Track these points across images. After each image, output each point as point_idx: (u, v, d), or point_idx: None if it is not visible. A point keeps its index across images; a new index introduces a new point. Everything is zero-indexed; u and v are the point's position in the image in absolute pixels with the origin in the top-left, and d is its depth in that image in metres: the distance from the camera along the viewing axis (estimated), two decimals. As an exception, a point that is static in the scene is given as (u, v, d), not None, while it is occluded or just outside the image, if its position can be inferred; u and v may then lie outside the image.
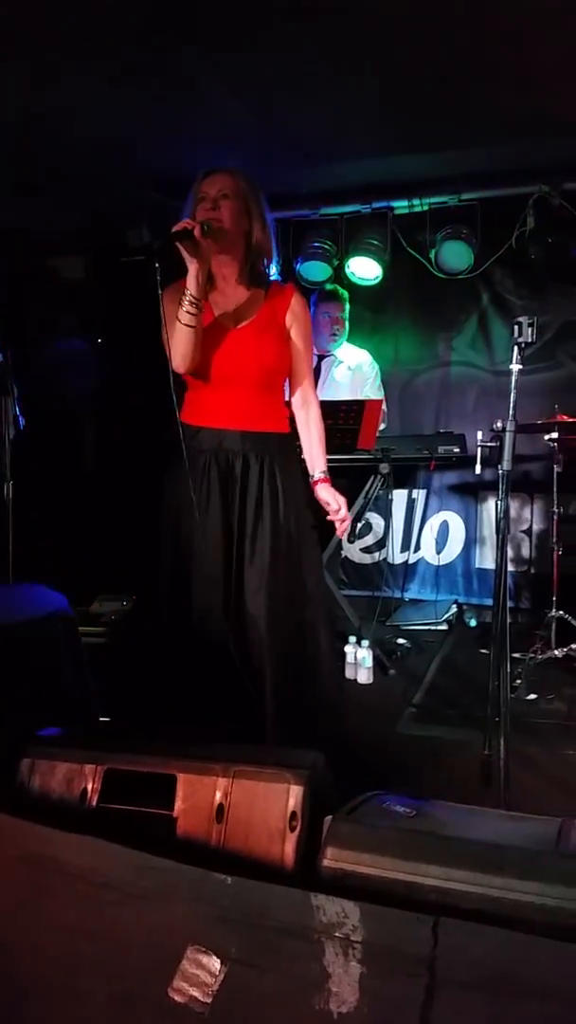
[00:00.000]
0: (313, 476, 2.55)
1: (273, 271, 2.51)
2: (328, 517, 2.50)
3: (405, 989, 0.95)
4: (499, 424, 2.08)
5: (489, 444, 2.39)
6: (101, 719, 2.38)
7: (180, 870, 1.12)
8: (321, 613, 2.54)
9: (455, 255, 4.54)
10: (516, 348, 2.07)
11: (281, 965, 1.01)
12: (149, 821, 1.60)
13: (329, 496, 2.52)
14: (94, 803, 1.66)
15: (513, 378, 2.11)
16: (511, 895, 1.33)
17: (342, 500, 2.51)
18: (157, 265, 2.10)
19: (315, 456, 2.57)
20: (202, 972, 1.02)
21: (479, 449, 2.49)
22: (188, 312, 2.23)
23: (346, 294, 4.46)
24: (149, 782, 1.63)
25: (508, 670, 2.11)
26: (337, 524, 2.54)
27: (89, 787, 1.68)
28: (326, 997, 0.97)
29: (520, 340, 2.04)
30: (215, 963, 1.02)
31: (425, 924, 1.01)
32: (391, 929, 1.02)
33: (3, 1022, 1.09)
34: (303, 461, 2.59)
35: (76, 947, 1.10)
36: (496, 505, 2.04)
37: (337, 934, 1.02)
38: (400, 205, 4.66)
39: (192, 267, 2.22)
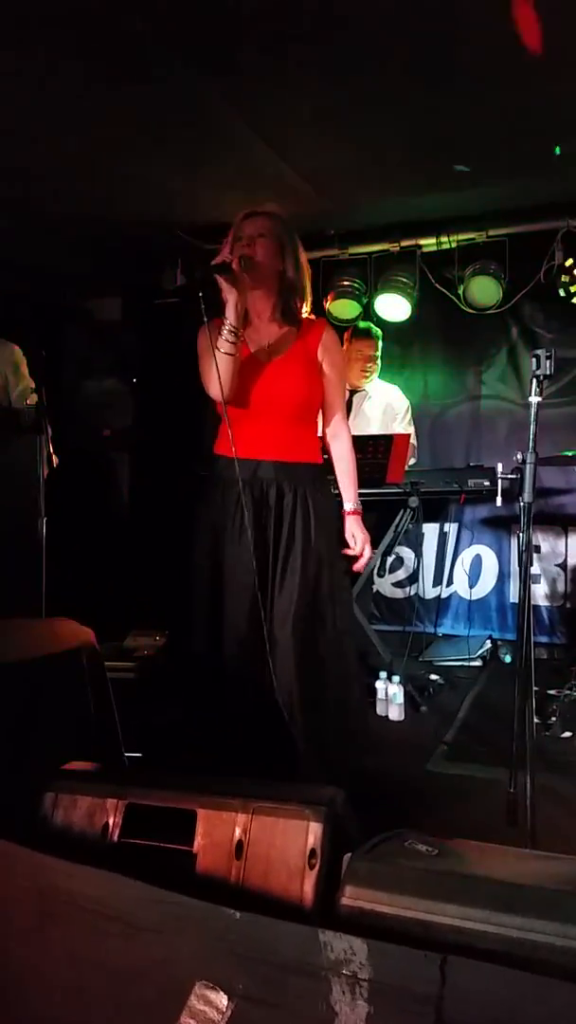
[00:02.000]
0: (344, 508, 2.58)
1: (305, 311, 2.57)
2: (346, 551, 2.52)
3: (412, 1029, 0.94)
4: (519, 456, 2.08)
5: (510, 476, 2.39)
6: (131, 754, 2.39)
7: (190, 904, 1.12)
8: (348, 643, 2.55)
9: (484, 291, 4.57)
10: (535, 380, 2.08)
11: (288, 1002, 1.01)
12: (169, 857, 1.60)
13: (354, 531, 2.55)
14: (115, 838, 1.67)
15: (532, 410, 2.12)
16: (530, 935, 1.30)
17: (363, 538, 2.54)
18: (201, 294, 2.18)
19: (345, 488, 2.60)
20: (209, 1008, 1.02)
21: (500, 481, 2.49)
22: (228, 341, 2.32)
23: (379, 332, 4.50)
24: (170, 817, 1.64)
25: (533, 704, 2.09)
26: (356, 561, 2.56)
27: (111, 821, 1.69)
28: (332, 1036, 0.96)
29: (539, 373, 2.05)
30: (222, 999, 1.02)
31: (433, 963, 1.00)
32: (398, 967, 1.01)
33: (15, 1056, 1.09)
34: (337, 493, 2.62)
35: (84, 979, 1.10)
36: (518, 537, 2.03)
37: (344, 971, 1.01)
38: (428, 243, 4.72)
39: (231, 297, 2.31)
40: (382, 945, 1.04)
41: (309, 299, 2.58)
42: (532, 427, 2.08)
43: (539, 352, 2.03)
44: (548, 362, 2.01)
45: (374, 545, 4.04)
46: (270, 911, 1.26)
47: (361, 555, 2.55)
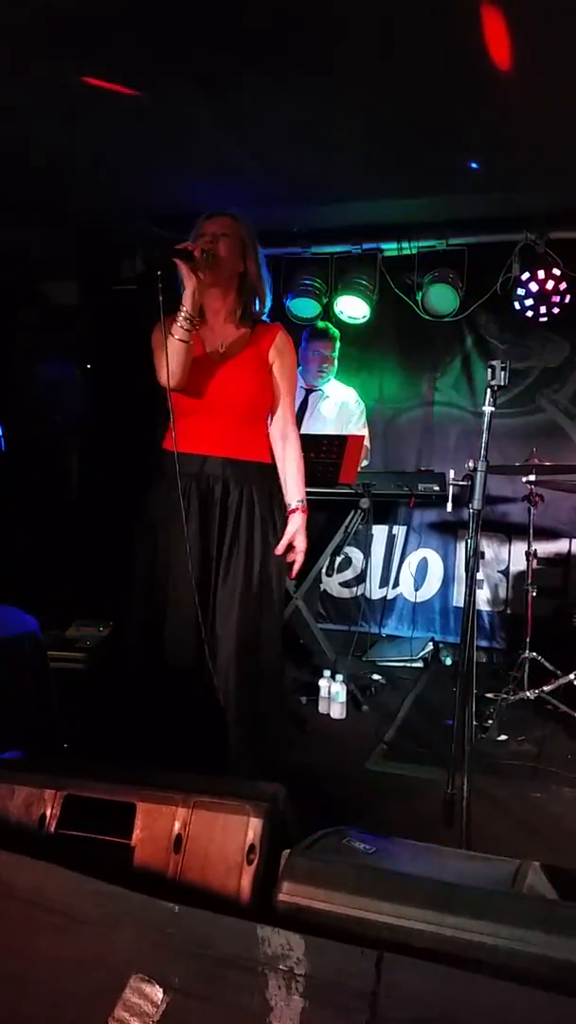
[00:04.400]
0: (289, 506, 2.59)
1: (263, 314, 2.58)
2: (276, 549, 2.51)
3: (345, 1024, 0.95)
4: (471, 464, 2.12)
5: (461, 483, 2.43)
6: (66, 745, 2.37)
7: (128, 897, 1.12)
8: (276, 644, 2.57)
9: (441, 298, 4.63)
10: (489, 391, 2.12)
11: (224, 996, 1.01)
12: (107, 849, 1.59)
13: (294, 534, 2.54)
14: (52, 829, 1.65)
15: (486, 420, 2.16)
16: (463, 935, 1.33)
17: (301, 547, 2.54)
18: (159, 273, 2.16)
19: (290, 487, 2.61)
20: (144, 1001, 1.01)
21: (451, 487, 2.53)
22: (182, 327, 2.31)
23: (337, 333, 4.53)
24: (109, 810, 1.62)
25: (473, 708, 2.13)
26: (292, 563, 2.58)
27: (48, 812, 1.67)
28: (267, 1030, 0.97)
29: (493, 383, 2.09)
30: (158, 992, 1.02)
31: (368, 959, 1.01)
32: (334, 963, 1.02)
33: (-58, 1048, 1.08)
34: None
35: (18, 971, 1.09)
36: (466, 543, 2.06)
37: (281, 967, 1.02)
38: (389, 247, 4.76)
39: (190, 284, 2.30)
40: (319, 941, 1.05)
41: (267, 303, 2.59)
42: (484, 436, 2.12)
43: (495, 363, 2.07)
44: (503, 373, 2.05)
45: (323, 544, 4.08)
46: (207, 906, 1.26)
47: (292, 558, 2.55)
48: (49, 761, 1.87)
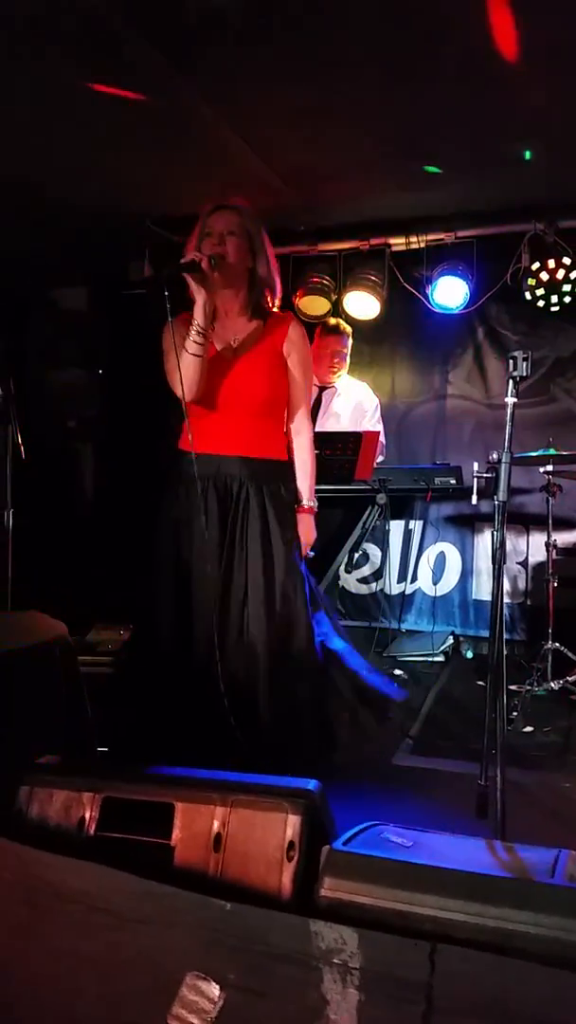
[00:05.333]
0: (299, 503, 2.59)
1: (275, 307, 2.57)
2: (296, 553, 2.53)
3: (402, 1016, 0.96)
4: (495, 455, 2.12)
5: (485, 475, 2.43)
6: (99, 749, 2.38)
7: (179, 896, 1.13)
8: (308, 637, 2.56)
9: (451, 291, 4.62)
10: (511, 382, 2.12)
11: (280, 991, 1.02)
12: (147, 850, 1.60)
13: (305, 530, 2.55)
14: (92, 831, 1.66)
15: (508, 411, 2.15)
16: (506, 925, 1.33)
17: (310, 539, 2.56)
18: (167, 293, 2.16)
19: (301, 485, 2.61)
20: (201, 999, 1.02)
21: (475, 480, 2.53)
22: (195, 342, 2.30)
23: (348, 329, 4.53)
24: (147, 810, 1.64)
25: (504, 700, 2.13)
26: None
27: (87, 815, 1.69)
28: (324, 1024, 0.98)
29: (515, 374, 2.09)
30: (214, 989, 1.03)
31: (422, 951, 1.02)
32: (388, 956, 1.03)
33: (0, 1050, 1.09)
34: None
35: (74, 973, 1.10)
36: (492, 536, 2.06)
37: (335, 960, 1.03)
38: (397, 242, 4.75)
39: (200, 298, 2.29)
40: (372, 934, 1.06)
41: (279, 293, 2.58)
42: (508, 427, 2.12)
43: (516, 354, 2.07)
44: (525, 364, 2.04)
45: (341, 541, 4.09)
46: (249, 903, 1.27)
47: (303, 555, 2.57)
48: (86, 764, 1.88)
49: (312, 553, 2.63)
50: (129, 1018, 1.04)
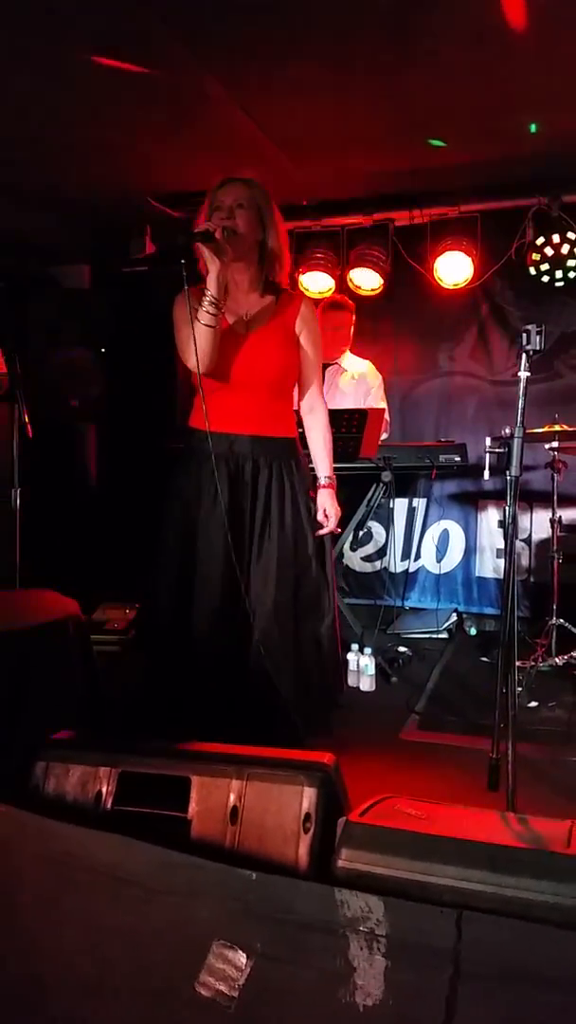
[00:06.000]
0: (319, 481, 2.59)
1: (287, 282, 2.55)
2: (317, 531, 2.54)
3: (429, 982, 0.97)
4: (507, 431, 2.11)
5: (496, 451, 2.42)
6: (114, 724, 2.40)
7: (204, 866, 1.14)
8: (328, 614, 2.56)
9: (455, 266, 4.58)
10: (524, 356, 2.10)
11: (306, 959, 1.03)
12: (164, 823, 1.62)
13: (326, 505, 2.55)
14: (109, 805, 1.68)
15: (521, 385, 2.14)
16: (525, 894, 1.35)
17: (335, 513, 2.55)
18: (183, 261, 2.14)
19: (320, 461, 2.60)
20: (228, 967, 1.03)
21: (487, 455, 2.52)
22: (208, 312, 2.28)
23: (352, 304, 4.50)
24: (163, 784, 1.65)
25: (515, 675, 2.14)
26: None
27: (104, 790, 1.70)
28: (351, 990, 0.99)
29: (528, 348, 2.07)
30: (241, 958, 1.04)
31: (448, 918, 1.03)
32: (415, 923, 1.04)
33: (29, 1020, 1.10)
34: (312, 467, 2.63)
35: (101, 943, 1.11)
36: (505, 511, 2.06)
37: (362, 928, 1.04)
38: (401, 217, 4.70)
39: (213, 268, 2.27)
40: (397, 902, 1.07)
41: (287, 268, 2.56)
42: (521, 401, 2.11)
43: (529, 327, 2.05)
44: (538, 337, 2.03)
45: (345, 519, 4.08)
46: (267, 874, 1.28)
47: (331, 531, 2.57)
48: (102, 739, 1.89)
49: (339, 529, 2.63)
50: (158, 986, 1.05)
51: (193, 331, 2.25)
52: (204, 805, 1.65)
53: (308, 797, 1.60)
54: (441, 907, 1.05)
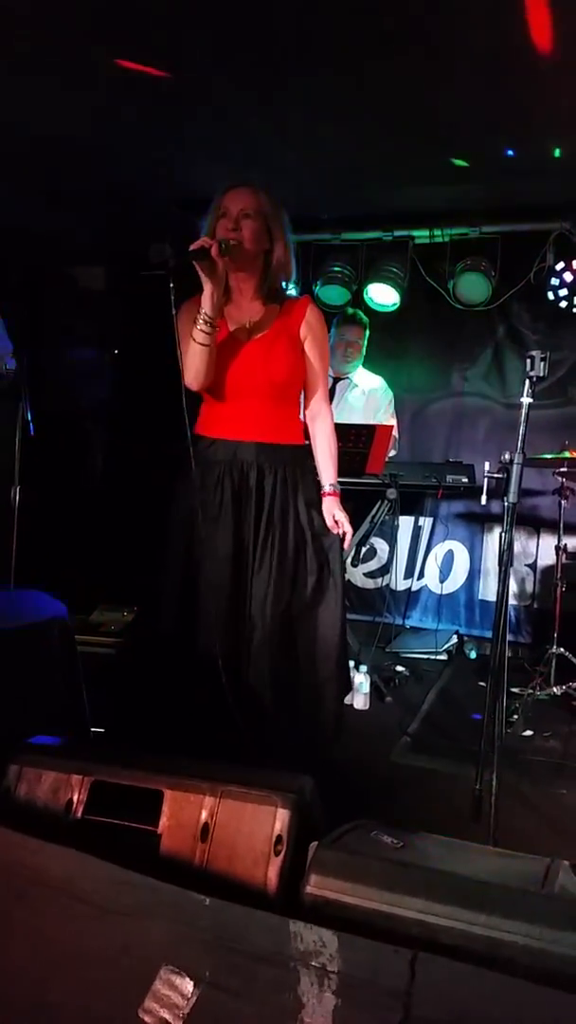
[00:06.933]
0: (323, 489, 2.55)
1: (291, 290, 2.52)
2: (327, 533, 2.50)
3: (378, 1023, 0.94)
4: (507, 456, 2.08)
5: (496, 475, 2.39)
6: (93, 730, 2.37)
7: (159, 888, 1.11)
8: (333, 629, 2.49)
9: (473, 287, 4.56)
10: (528, 381, 2.07)
11: (255, 991, 1.00)
12: (133, 836, 1.59)
13: (334, 511, 2.51)
14: (79, 814, 1.65)
15: (523, 411, 2.11)
16: (494, 933, 1.31)
17: (344, 518, 2.50)
18: (172, 285, 2.11)
19: (325, 469, 2.57)
20: (174, 993, 1.00)
21: (486, 480, 2.48)
22: (202, 331, 2.24)
23: (366, 320, 4.48)
24: (136, 796, 1.62)
25: (504, 704, 2.10)
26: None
27: (75, 798, 1.67)
28: (298, 1027, 0.96)
29: (532, 374, 2.05)
30: (188, 985, 1.01)
31: (403, 958, 0.99)
32: (368, 961, 1.00)
33: (-30, 1033, 1.07)
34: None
35: (50, 960, 1.08)
36: (501, 537, 2.03)
37: (314, 963, 1.00)
38: (421, 235, 4.69)
39: (208, 287, 2.23)
40: (352, 938, 1.04)
41: (292, 276, 2.52)
42: (522, 428, 2.08)
43: (534, 353, 2.02)
44: (542, 364, 2.00)
45: (349, 534, 4.05)
46: (234, 896, 1.25)
47: (344, 534, 2.51)
48: (77, 747, 1.87)
49: (350, 533, 2.58)
50: (101, 1010, 1.02)
51: (183, 348, 2.23)
52: (175, 820, 1.62)
53: (280, 819, 1.57)
54: (396, 947, 1.01)
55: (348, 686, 2.70)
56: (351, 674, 3.69)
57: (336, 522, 2.49)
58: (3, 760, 1.71)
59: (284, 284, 2.49)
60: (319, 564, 2.47)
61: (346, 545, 2.51)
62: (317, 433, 2.58)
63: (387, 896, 1.37)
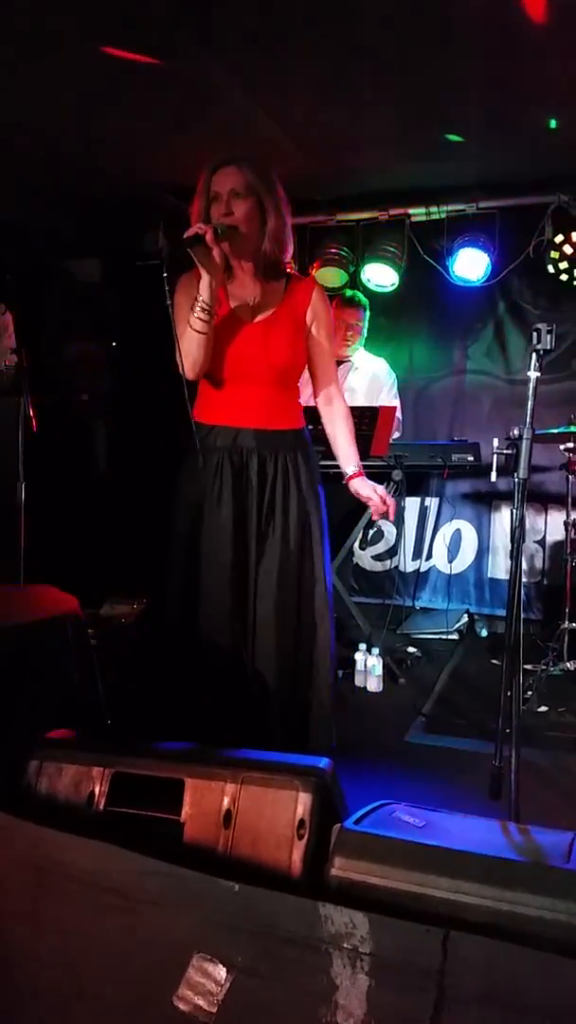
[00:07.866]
0: (347, 472, 2.53)
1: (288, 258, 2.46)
2: (372, 514, 2.48)
3: (413, 1003, 0.94)
4: (515, 432, 2.06)
5: (505, 452, 2.36)
6: (108, 723, 2.37)
7: (187, 876, 1.11)
8: (324, 618, 2.50)
9: (472, 263, 4.52)
10: (535, 355, 2.05)
11: (288, 975, 1.00)
12: (156, 826, 1.59)
13: (368, 490, 2.48)
14: (101, 806, 1.65)
15: (531, 385, 2.09)
16: (521, 909, 1.31)
17: (381, 490, 2.48)
18: (166, 275, 2.08)
19: (345, 453, 2.54)
20: (208, 980, 1.00)
21: (495, 456, 2.46)
22: (200, 319, 2.21)
23: (366, 301, 4.45)
24: (157, 786, 1.62)
25: (520, 680, 2.09)
26: (387, 512, 2.50)
27: (97, 790, 1.67)
28: (333, 1010, 0.96)
29: (539, 347, 2.02)
30: (221, 971, 1.01)
31: (435, 937, 0.99)
32: (400, 941, 1.00)
33: (5, 1026, 1.08)
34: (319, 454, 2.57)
35: (81, 952, 1.08)
36: (512, 513, 2.01)
37: (345, 945, 1.00)
38: (417, 212, 4.65)
39: (205, 276, 2.20)
40: (382, 919, 1.04)
41: (290, 251, 2.46)
42: (530, 402, 2.06)
43: (540, 326, 2.00)
44: (549, 337, 1.98)
45: (355, 517, 4.04)
46: (258, 881, 1.25)
47: (390, 505, 2.49)
48: (96, 739, 1.87)
49: (392, 501, 2.55)
50: (136, 999, 1.03)
51: (179, 332, 2.20)
52: (197, 808, 1.62)
53: (303, 803, 1.57)
54: (428, 926, 1.01)
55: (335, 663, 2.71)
56: (365, 657, 3.72)
57: (380, 496, 2.46)
58: (23, 756, 1.70)
59: (284, 255, 2.43)
60: (316, 552, 2.46)
61: (391, 516, 2.49)
62: (334, 417, 2.55)
63: (413, 876, 1.37)
